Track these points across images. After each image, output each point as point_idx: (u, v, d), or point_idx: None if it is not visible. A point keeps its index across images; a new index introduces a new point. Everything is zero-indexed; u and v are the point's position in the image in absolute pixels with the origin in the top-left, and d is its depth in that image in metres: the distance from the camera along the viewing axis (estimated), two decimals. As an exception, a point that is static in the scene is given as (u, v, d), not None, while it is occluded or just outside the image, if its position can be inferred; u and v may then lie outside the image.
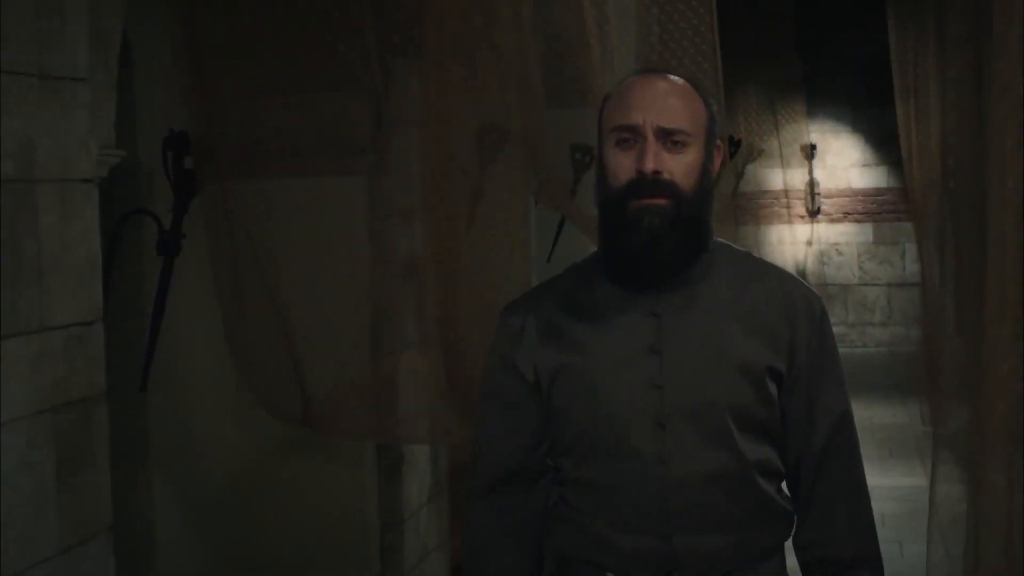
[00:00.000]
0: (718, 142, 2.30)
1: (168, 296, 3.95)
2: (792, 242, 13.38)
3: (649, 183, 2.15)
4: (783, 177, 13.04)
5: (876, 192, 13.21)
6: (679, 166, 2.17)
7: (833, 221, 13.34)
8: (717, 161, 2.29)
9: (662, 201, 2.15)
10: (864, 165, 13.17)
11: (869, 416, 9.14)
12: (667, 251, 2.17)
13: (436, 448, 4.85)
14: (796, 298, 2.28)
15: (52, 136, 2.73)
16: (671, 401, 2.19)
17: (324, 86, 4.42)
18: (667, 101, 2.20)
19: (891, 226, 13.24)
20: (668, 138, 2.17)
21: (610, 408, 2.20)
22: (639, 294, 2.23)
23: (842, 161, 13.18)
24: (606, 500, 2.22)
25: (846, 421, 2.33)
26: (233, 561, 4.38)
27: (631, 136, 2.18)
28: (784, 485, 2.32)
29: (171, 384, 3.97)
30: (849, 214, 13.35)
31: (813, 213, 13.24)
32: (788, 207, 13.28)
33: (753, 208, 13.20)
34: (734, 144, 9.46)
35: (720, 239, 2.33)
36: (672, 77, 2.28)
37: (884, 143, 12.39)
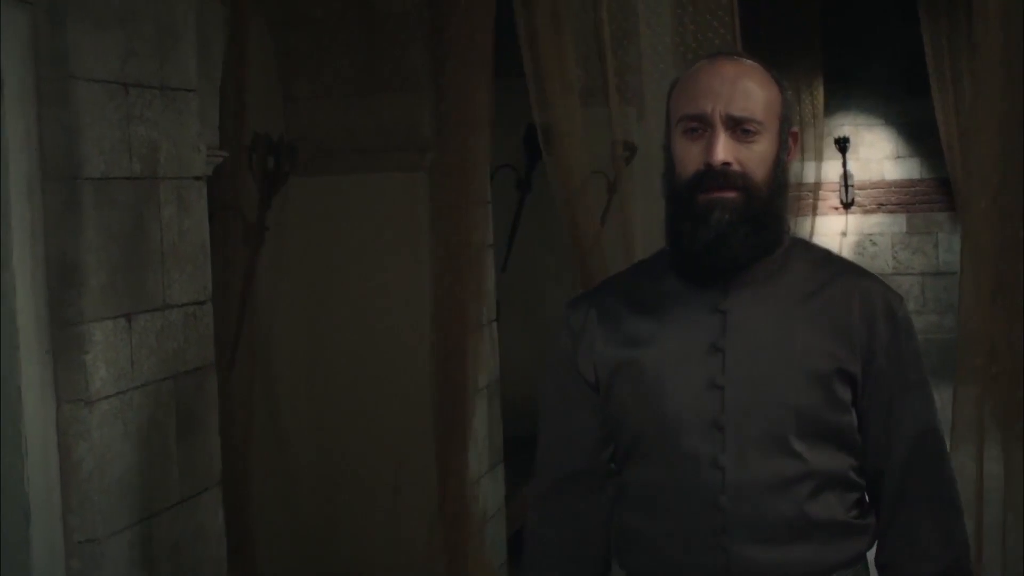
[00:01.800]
0: (794, 129, 2.18)
1: (252, 282, 4.37)
2: (827, 233, 13.65)
3: (718, 175, 2.05)
4: (817, 170, 13.34)
5: (909, 183, 13.47)
6: (750, 156, 2.06)
7: (867, 212, 13.62)
8: (794, 150, 2.18)
9: (732, 194, 2.05)
10: (897, 157, 13.43)
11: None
12: (736, 247, 2.07)
13: (493, 421, 5.23)
14: (875, 298, 2.13)
15: (171, 139, 3.14)
16: (731, 402, 2.07)
17: (391, 90, 4.82)
18: (737, 87, 2.08)
19: (924, 216, 13.50)
20: (738, 127, 2.06)
21: (666, 407, 2.09)
22: (705, 289, 2.12)
23: (875, 153, 13.45)
24: (662, 506, 2.12)
25: (930, 434, 2.17)
26: (309, 518, 4.80)
27: (699, 125, 2.07)
28: (865, 496, 2.17)
29: (255, 359, 4.37)
30: (883, 205, 13.62)
31: (847, 204, 13.52)
32: (823, 199, 13.58)
33: (789, 200, 13.50)
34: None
35: (797, 235, 2.26)
36: (743, 60, 2.16)
37: (917, 135, 12.66)
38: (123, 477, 2.93)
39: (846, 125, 13.29)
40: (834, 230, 13.55)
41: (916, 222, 13.49)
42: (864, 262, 13.59)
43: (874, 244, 13.56)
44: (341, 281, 4.81)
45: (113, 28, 2.92)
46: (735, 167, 2.05)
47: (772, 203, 2.10)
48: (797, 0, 11.49)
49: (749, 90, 2.08)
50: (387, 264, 4.85)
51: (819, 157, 13.30)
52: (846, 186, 13.44)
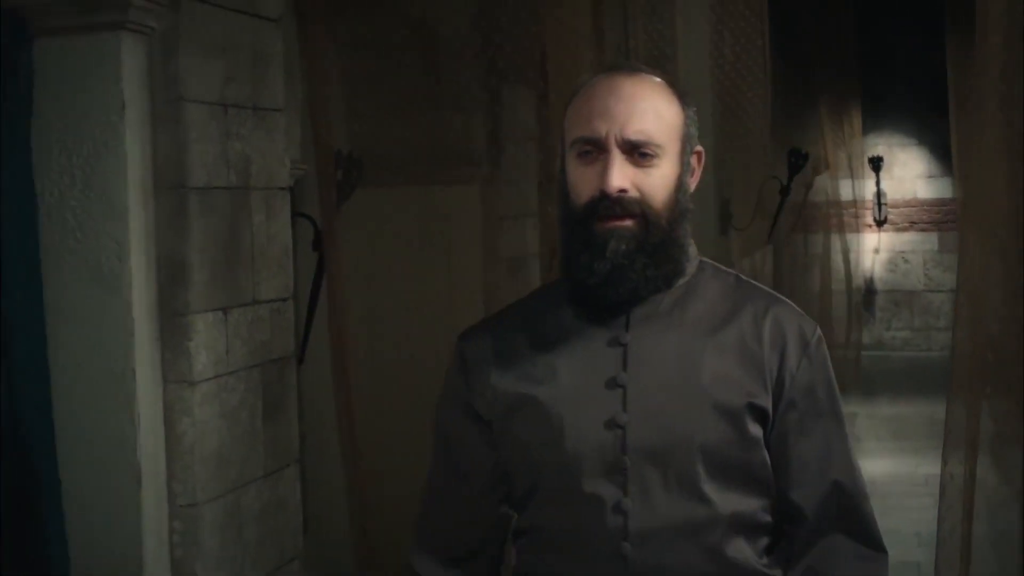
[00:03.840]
0: (698, 148, 2.04)
1: (321, 285, 4.77)
2: (860, 250, 14.00)
3: (613, 202, 1.92)
4: (852, 188, 13.68)
5: (941, 202, 13.81)
6: (649, 182, 1.94)
7: (899, 230, 13.96)
8: (697, 171, 2.05)
9: (629, 222, 1.93)
10: (929, 176, 13.77)
11: (931, 413, 9.76)
12: (635, 279, 1.94)
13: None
14: (786, 325, 2.00)
15: (261, 154, 3.54)
16: (634, 442, 1.92)
17: (448, 108, 5.22)
18: (634, 107, 1.94)
19: (955, 235, 13.83)
20: (635, 150, 1.93)
21: (565, 448, 1.94)
22: (606, 321, 1.99)
23: (908, 172, 13.80)
24: (563, 553, 1.97)
25: (845, 468, 2.01)
26: (366, 498, 5.17)
27: (593, 149, 1.94)
28: (776, 541, 2.02)
29: (322, 355, 4.75)
30: (915, 223, 13.96)
31: (880, 222, 13.87)
32: (856, 216, 13.90)
33: (822, 217, 13.83)
34: (801, 157, 10.10)
35: (707, 260, 2.09)
36: (642, 76, 2.01)
37: (949, 155, 12.99)
38: (218, 451, 3.33)
39: (880, 145, 13.64)
40: (867, 247, 13.89)
41: (947, 240, 13.80)
42: (896, 279, 13.92)
43: (906, 262, 13.89)
44: (400, 284, 5.20)
45: (215, 56, 3.32)
46: (632, 193, 1.92)
47: (674, 230, 1.97)
48: (833, 24, 11.83)
49: (647, 110, 1.95)
50: (442, 269, 5.24)
51: (854, 176, 13.63)
52: (879, 204, 13.78)
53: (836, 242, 14.00)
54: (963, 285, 3.33)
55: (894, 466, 8.45)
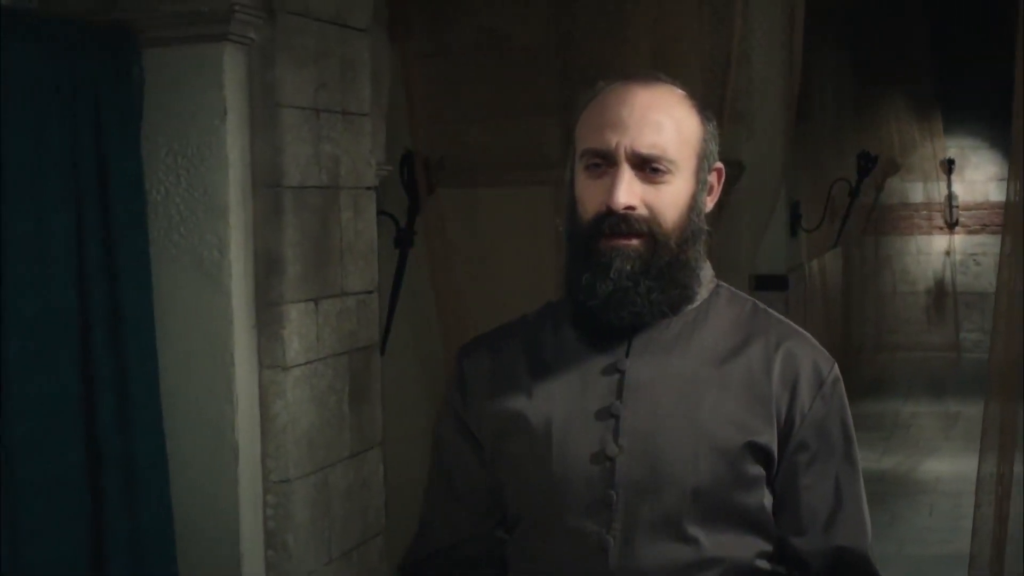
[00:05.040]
0: (717, 166, 1.92)
1: (402, 279, 5.02)
2: (932, 252, 14.07)
3: (620, 220, 1.79)
4: (923, 190, 13.75)
5: (1013, 205, 13.83)
6: (659, 199, 1.82)
7: (971, 232, 14.00)
8: (716, 190, 1.93)
9: (635, 242, 1.81)
10: (1001, 179, 13.76)
11: (999, 413, 9.85)
12: (638, 302, 1.82)
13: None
14: (800, 360, 1.86)
15: (349, 155, 3.79)
16: (623, 477, 1.80)
17: (522, 113, 5.46)
18: (647, 119, 1.82)
19: (1028, 238, 13.87)
20: (646, 165, 1.81)
21: (552, 477, 1.83)
22: (606, 345, 1.87)
23: (980, 175, 13.84)
24: None
25: (855, 518, 1.87)
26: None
27: (602, 162, 1.82)
28: None
29: (403, 346, 5.01)
30: (987, 226, 13.99)
31: (952, 225, 13.92)
32: (928, 219, 13.98)
33: (894, 220, 13.94)
34: (870, 160, 10.23)
35: (724, 284, 1.97)
36: (659, 85, 1.89)
37: (1021, 158, 13.06)
38: (308, 432, 3.58)
39: (952, 147, 13.70)
40: (938, 249, 13.95)
41: (1020, 243, 13.83)
42: (968, 282, 13.96)
43: (977, 264, 13.92)
44: (476, 281, 5.44)
45: (309, 65, 3.58)
46: (640, 211, 1.80)
47: (683, 252, 1.85)
48: (907, 28, 11.93)
49: (661, 123, 1.83)
50: (516, 267, 5.46)
51: (926, 178, 13.72)
52: (951, 207, 13.83)
53: (908, 244, 14.10)
54: (1002, 288, 3.47)
55: (966, 465, 8.54)
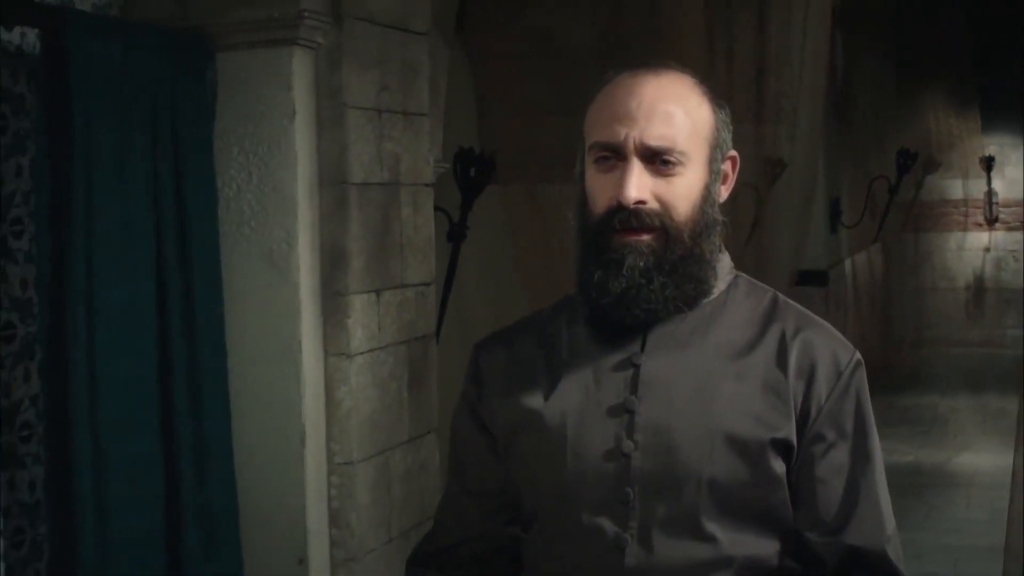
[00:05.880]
0: (731, 154, 1.87)
1: (455, 272, 5.20)
2: (971, 248, 14.15)
3: (630, 215, 1.75)
4: (962, 187, 13.84)
5: (1054, 202, 13.89)
6: (671, 192, 1.77)
7: (1010, 229, 14.07)
8: (731, 179, 1.88)
9: (647, 237, 1.76)
10: (1041, 176, 13.86)
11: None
12: (652, 298, 1.78)
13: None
14: (817, 350, 1.81)
15: (409, 154, 3.97)
16: (639, 473, 1.76)
17: (570, 111, 5.62)
18: (656, 110, 1.76)
19: (1068, 235, 13.92)
20: (656, 157, 1.76)
21: (567, 474, 1.80)
22: (621, 340, 1.83)
23: (1020, 172, 13.89)
24: None
25: (873, 514, 1.79)
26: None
27: (611, 155, 1.77)
28: None
29: (456, 334, 5.19)
30: (1027, 222, 14.07)
31: (991, 221, 14.00)
32: (967, 215, 14.06)
33: (934, 216, 14.03)
34: (910, 157, 10.34)
35: (743, 275, 1.92)
36: (668, 74, 1.82)
37: (1062, 156, 13.12)
38: (370, 416, 3.76)
39: (991, 144, 13.76)
40: (977, 245, 14.03)
41: (1060, 240, 13.90)
42: (1006, 278, 14.04)
43: (1016, 260, 13.98)
44: (524, 274, 5.62)
45: (372, 68, 3.76)
46: (651, 205, 1.76)
47: (697, 245, 1.80)
48: (946, 27, 12.02)
49: (671, 114, 1.77)
50: (563, 262, 5.64)
51: (966, 175, 13.80)
52: (990, 203, 13.90)
53: (947, 240, 14.18)
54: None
55: (1003, 459, 8.66)
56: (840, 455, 1.78)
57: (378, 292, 3.79)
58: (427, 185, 4.10)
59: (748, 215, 7.76)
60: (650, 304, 1.78)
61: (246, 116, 3.57)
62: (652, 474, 1.76)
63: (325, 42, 3.61)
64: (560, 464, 1.80)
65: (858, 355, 1.83)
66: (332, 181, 3.65)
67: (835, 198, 9.67)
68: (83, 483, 3.12)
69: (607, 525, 1.77)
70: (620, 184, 1.75)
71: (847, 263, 10.06)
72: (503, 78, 5.58)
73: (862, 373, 1.82)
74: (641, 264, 1.76)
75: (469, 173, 5.16)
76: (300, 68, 3.58)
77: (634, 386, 1.80)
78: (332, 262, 3.65)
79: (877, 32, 10.99)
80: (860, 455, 1.79)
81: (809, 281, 8.79)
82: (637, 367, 1.80)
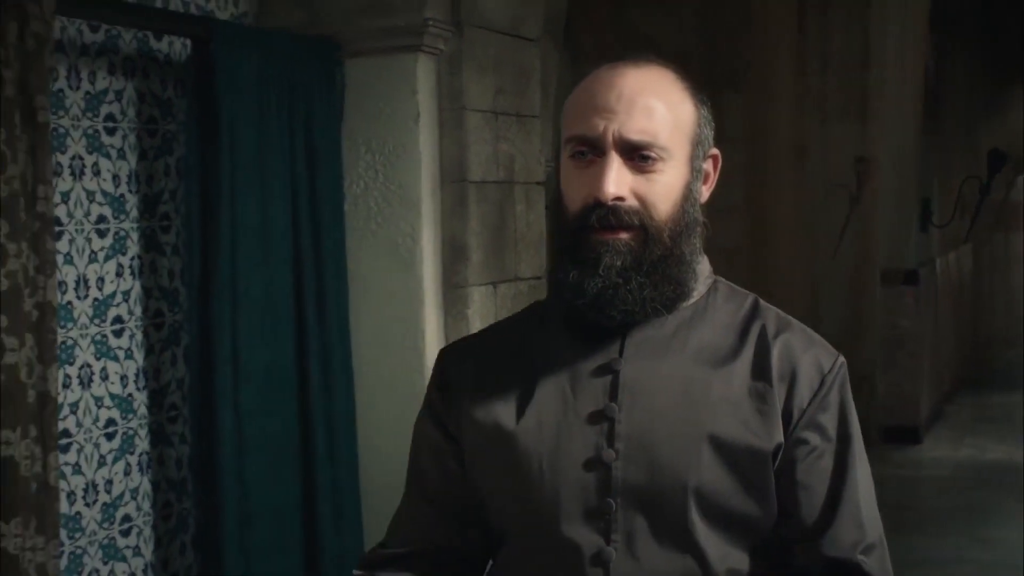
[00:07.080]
0: (713, 152, 1.77)
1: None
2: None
3: (608, 212, 1.66)
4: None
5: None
6: (650, 189, 1.67)
7: (1077, 230, 14.00)
8: (712, 178, 1.78)
9: (625, 235, 1.67)
10: None
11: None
12: (629, 300, 1.68)
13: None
14: (799, 354, 1.73)
15: (522, 154, 4.18)
16: (620, 483, 1.67)
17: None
18: (636, 103, 1.67)
19: None
20: (636, 153, 1.66)
21: (543, 487, 1.70)
22: (598, 344, 1.73)
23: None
24: None
25: (859, 523, 1.71)
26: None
27: (589, 149, 1.68)
28: None
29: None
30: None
31: (1054, 222, 13.94)
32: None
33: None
34: (1002, 157, 10.38)
35: (722, 279, 1.81)
36: (650, 67, 1.72)
37: None
38: (486, 402, 3.97)
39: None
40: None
41: None
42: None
43: (1107, 260, 13.92)
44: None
45: (489, 73, 3.97)
46: (630, 202, 1.67)
47: (677, 246, 1.70)
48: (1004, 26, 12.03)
49: (652, 108, 1.67)
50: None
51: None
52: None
53: (1015, 241, 14.13)
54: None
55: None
56: (822, 461, 1.71)
57: (494, 284, 4.00)
58: (538, 183, 4.30)
59: (840, 214, 7.89)
60: (627, 305, 1.68)
61: (373, 118, 3.80)
62: (635, 484, 1.67)
63: (446, 48, 3.83)
64: (537, 475, 1.70)
65: (841, 359, 1.76)
66: (453, 179, 3.86)
67: (926, 198, 9.73)
68: (226, 460, 3.37)
69: (589, 540, 1.67)
70: (598, 180, 1.65)
71: (937, 262, 10.12)
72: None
73: (846, 377, 1.75)
74: (618, 263, 1.66)
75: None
76: (424, 73, 3.80)
77: (614, 392, 1.70)
78: (453, 256, 3.86)
79: (968, 32, 11.03)
80: (841, 461, 1.72)
81: (899, 280, 8.87)
82: (616, 372, 1.71)
